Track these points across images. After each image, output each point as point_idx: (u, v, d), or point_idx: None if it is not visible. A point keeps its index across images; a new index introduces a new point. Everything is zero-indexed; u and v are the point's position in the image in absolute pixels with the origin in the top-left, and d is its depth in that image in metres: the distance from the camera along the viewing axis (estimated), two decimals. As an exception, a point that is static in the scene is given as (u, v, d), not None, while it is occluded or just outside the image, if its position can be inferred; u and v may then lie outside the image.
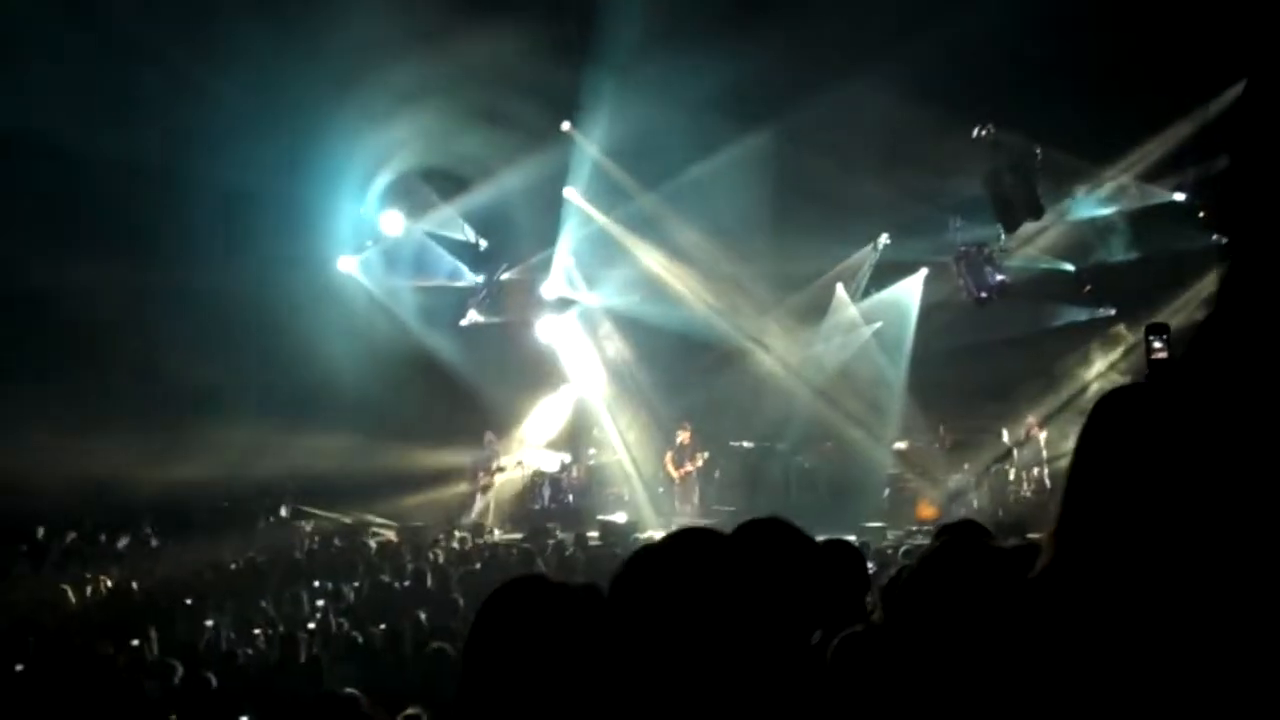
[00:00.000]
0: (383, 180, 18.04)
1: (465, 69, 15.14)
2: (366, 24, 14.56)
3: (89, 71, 14.40)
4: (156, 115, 15.33)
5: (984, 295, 16.68)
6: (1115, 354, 16.40)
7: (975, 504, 15.27)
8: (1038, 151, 15.78)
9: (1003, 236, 16.49)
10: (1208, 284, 15.00)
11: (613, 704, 1.78)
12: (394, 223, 18.28)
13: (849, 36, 13.88)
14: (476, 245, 18.84)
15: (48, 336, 16.32)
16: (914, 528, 14.47)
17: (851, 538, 6.45)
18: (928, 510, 15.32)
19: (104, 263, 15.10)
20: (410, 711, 2.78)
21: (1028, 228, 16.59)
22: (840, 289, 18.08)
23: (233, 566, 12.98)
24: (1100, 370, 16.29)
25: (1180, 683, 1.63)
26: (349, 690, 1.90)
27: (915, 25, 13.61)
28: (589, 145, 17.52)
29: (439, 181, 18.27)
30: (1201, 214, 15.91)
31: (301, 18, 14.51)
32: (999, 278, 16.57)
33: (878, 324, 18.05)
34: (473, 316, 18.78)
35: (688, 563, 1.94)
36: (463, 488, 17.76)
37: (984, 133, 15.60)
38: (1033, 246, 17.22)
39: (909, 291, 17.80)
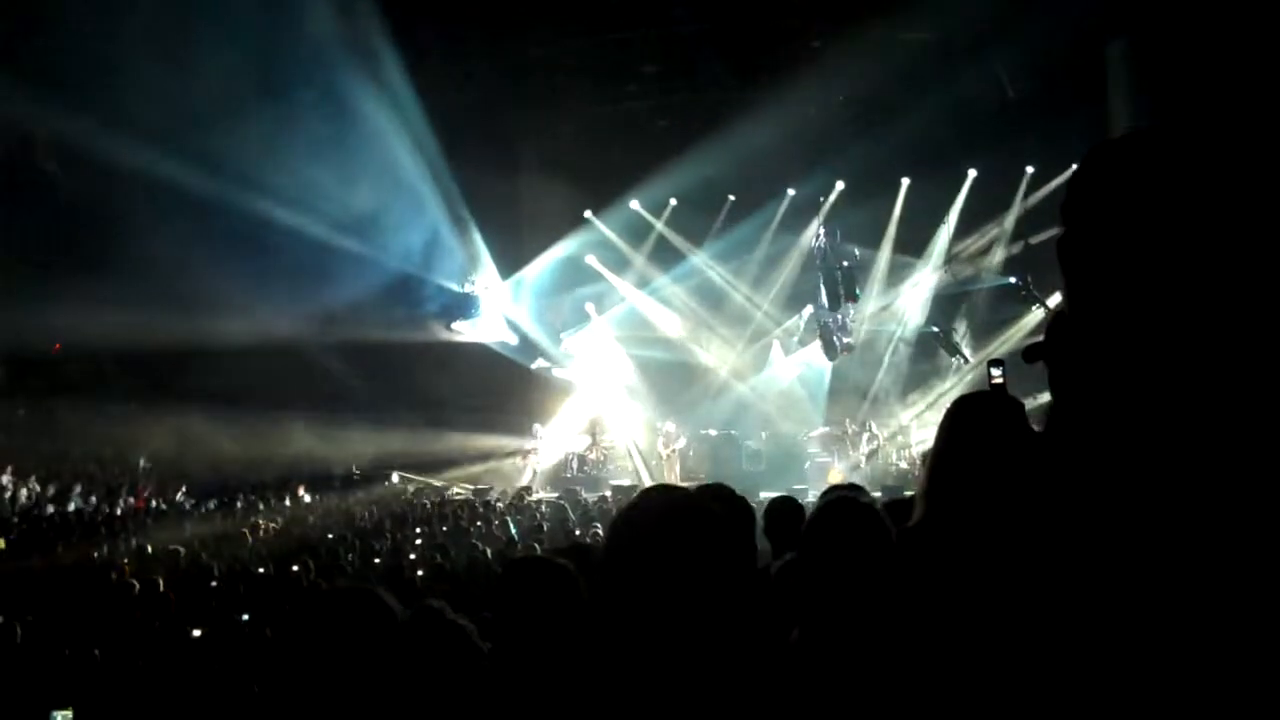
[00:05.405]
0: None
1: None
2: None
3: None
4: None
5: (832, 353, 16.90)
6: (964, 378, 16.56)
7: (869, 473, 15.21)
8: (856, 253, 16.38)
9: (852, 310, 16.60)
10: (1030, 320, 15.88)
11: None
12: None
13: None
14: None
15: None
16: (826, 489, 14.43)
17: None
18: (836, 477, 15.22)
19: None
20: (433, 602, 2.52)
21: (896, 302, 17.58)
22: (776, 345, 18.37)
23: (365, 514, 12.86)
24: (952, 388, 16.39)
25: (1009, 609, 1.59)
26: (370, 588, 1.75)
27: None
28: (607, 231, 17.92)
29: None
30: (1023, 291, 16.19)
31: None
32: (846, 340, 16.61)
33: (803, 367, 18.22)
34: (541, 364, 19.07)
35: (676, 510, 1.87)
36: (517, 461, 17.72)
37: (819, 242, 16.32)
38: (888, 314, 17.77)
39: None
